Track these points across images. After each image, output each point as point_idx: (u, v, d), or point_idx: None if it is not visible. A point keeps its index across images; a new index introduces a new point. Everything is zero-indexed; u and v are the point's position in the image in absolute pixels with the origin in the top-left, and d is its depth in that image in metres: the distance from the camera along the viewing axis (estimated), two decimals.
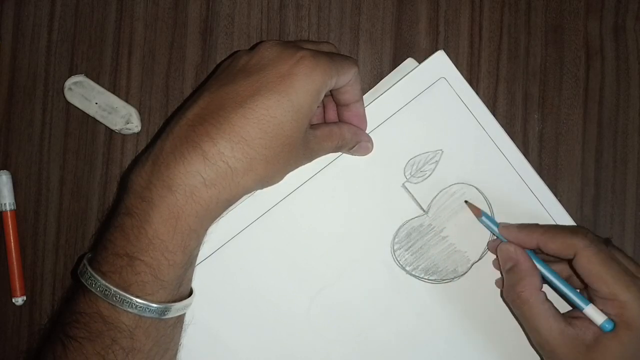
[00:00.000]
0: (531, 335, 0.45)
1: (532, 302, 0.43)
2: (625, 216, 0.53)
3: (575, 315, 0.44)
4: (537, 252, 0.46)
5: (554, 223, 0.50)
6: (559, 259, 0.47)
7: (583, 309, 0.43)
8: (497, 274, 0.49)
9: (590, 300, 0.44)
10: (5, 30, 0.54)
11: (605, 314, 0.42)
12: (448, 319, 0.49)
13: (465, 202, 0.49)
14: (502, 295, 0.49)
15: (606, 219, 0.53)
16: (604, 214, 0.53)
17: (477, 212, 0.48)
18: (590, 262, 0.42)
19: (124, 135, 0.53)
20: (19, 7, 0.54)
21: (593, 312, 0.43)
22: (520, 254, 0.45)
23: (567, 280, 0.46)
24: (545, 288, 0.45)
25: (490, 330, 0.49)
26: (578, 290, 0.45)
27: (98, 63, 0.53)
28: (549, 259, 0.47)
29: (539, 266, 0.45)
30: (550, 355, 0.44)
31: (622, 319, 0.41)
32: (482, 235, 0.49)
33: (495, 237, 0.49)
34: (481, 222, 0.48)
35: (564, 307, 0.46)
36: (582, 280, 0.44)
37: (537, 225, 0.46)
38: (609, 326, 0.42)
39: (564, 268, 0.47)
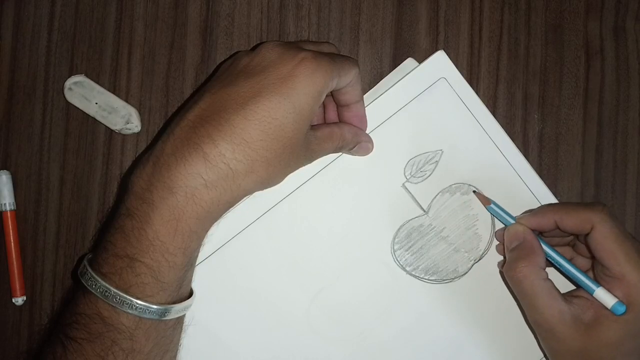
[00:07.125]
0: (528, 313, 0.44)
1: (532, 278, 0.43)
2: (625, 216, 0.53)
3: (575, 294, 0.44)
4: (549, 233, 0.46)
5: None
6: (563, 241, 0.47)
7: (593, 291, 0.43)
8: (498, 274, 0.49)
9: (597, 279, 0.43)
10: (5, 30, 0.54)
11: (612, 294, 0.42)
12: (448, 319, 0.49)
13: (474, 192, 0.49)
14: (501, 274, 0.49)
15: None
16: None
17: (486, 202, 0.48)
18: (605, 237, 0.42)
19: (124, 135, 0.53)
20: (19, 7, 0.53)
21: (603, 295, 0.42)
22: (527, 233, 0.45)
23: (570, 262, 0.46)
24: (551, 271, 0.45)
25: (490, 330, 0.49)
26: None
27: (98, 63, 0.53)
28: (552, 240, 0.47)
29: (546, 248, 0.45)
30: (547, 335, 0.43)
31: (628, 299, 0.41)
32: (483, 235, 0.50)
33: (504, 227, 0.48)
34: (489, 211, 0.48)
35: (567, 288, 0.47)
36: (592, 257, 0.44)
37: (550, 204, 0.46)
38: (621, 309, 0.41)
39: (567, 250, 0.47)
